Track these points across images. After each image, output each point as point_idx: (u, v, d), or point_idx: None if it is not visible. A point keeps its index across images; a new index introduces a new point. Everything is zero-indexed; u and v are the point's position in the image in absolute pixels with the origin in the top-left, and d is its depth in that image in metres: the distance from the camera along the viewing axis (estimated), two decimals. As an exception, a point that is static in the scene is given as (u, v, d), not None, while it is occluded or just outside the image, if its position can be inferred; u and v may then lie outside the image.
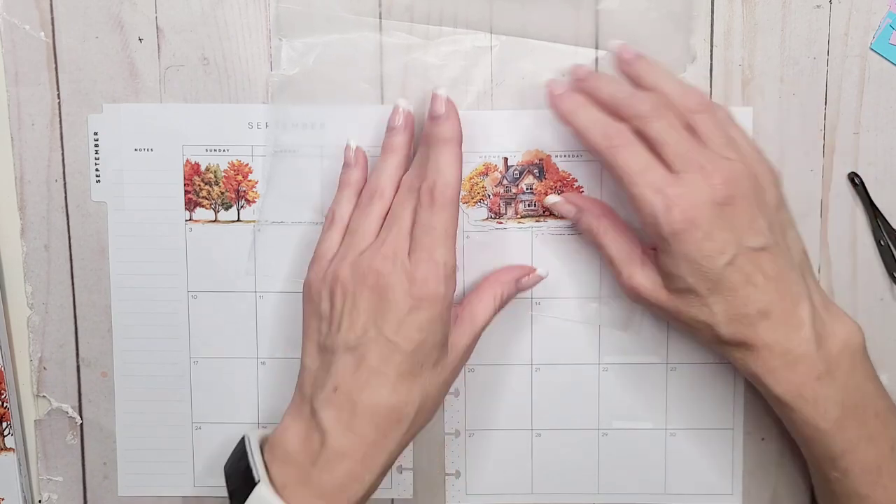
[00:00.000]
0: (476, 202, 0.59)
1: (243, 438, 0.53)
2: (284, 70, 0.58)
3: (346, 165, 0.57)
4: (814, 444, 0.53)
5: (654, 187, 0.50)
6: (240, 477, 0.51)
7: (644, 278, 0.54)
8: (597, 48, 0.58)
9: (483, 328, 0.55)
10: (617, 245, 0.55)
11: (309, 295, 0.54)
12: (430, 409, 0.53)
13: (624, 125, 0.52)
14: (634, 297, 0.55)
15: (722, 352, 0.54)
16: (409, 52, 0.58)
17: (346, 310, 0.51)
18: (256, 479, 0.50)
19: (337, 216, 0.56)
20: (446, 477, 0.62)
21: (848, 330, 0.53)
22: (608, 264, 0.56)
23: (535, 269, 0.58)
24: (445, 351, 0.53)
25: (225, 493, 0.52)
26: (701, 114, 0.53)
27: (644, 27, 0.57)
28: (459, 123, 0.54)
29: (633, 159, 0.51)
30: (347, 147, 0.57)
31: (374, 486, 0.51)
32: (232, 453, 0.54)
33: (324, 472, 0.50)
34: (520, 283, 0.58)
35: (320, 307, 0.53)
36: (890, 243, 0.59)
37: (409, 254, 0.51)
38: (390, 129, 0.56)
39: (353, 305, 0.51)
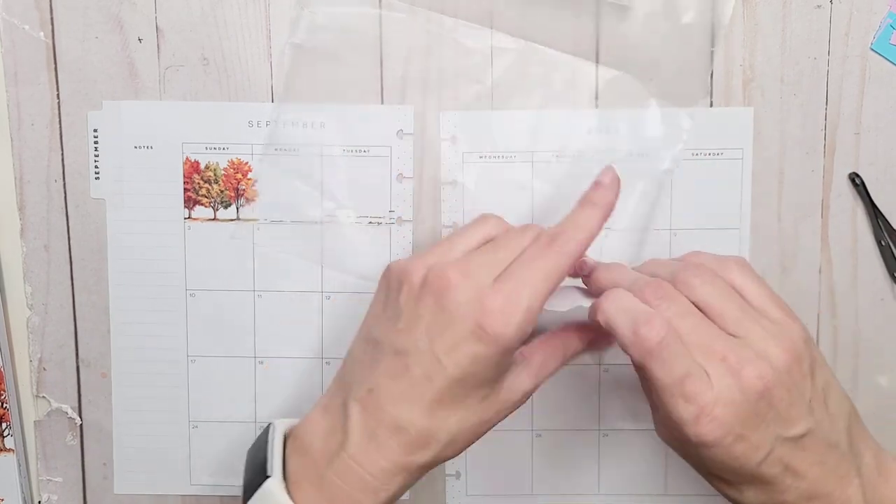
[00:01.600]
0: None
1: (268, 426, 0.50)
2: (302, 41, 0.58)
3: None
4: None
5: (684, 396, 0.45)
6: (257, 466, 0.48)
7: (670, 437, 0.49)
8: (597, 61, 0.58)
9: (549, 376, 0.50)
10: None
11: (383, 278, 0.51)
12: (464, 441, 0.48)
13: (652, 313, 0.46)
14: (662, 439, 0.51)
15: None
16: (420, 48, 0.58)
17: (407, 309, 0.47)
18: (269, 472, 0.47)
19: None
20: (446, 478, 0.62)
21: None
22: (644, 390, 0.50)
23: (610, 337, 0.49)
24: (498, 389, 0.48)
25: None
26: (712, 284, 0.48)
27: (662, 54, 0.57)
28: (615, 198, 0.50)
29: (667, 367, 0.45)
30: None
31: (389, 502, 0.48)
32: (256, 439, 0.51)
33: (337, 477, 0.46)
34: (590, 344, 0.52)
35: (388, 296, 0.49)
36: (891, 243, 0.58)
37: (494, 280, 0.47)
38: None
39: (414, 308, 0.47)
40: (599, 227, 0.49)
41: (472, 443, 0.48)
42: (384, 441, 0.46)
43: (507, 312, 0.45)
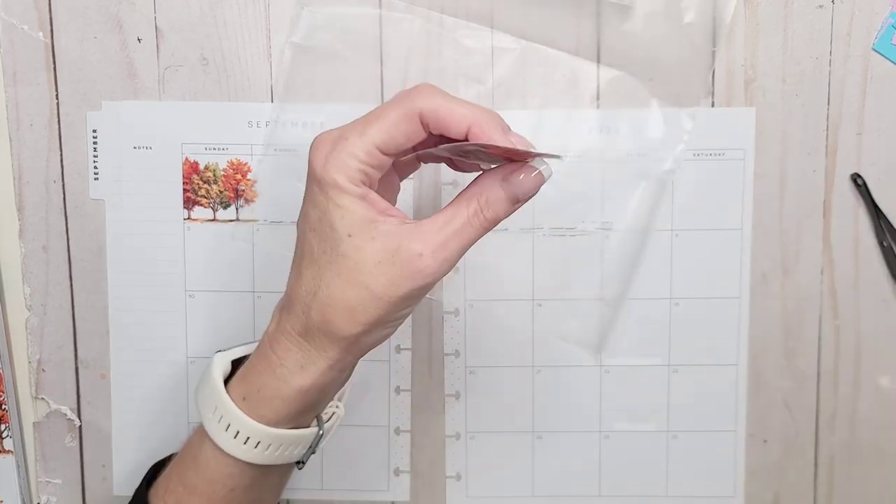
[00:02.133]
0: None
1: None
2: (301, 40, 0.58)
3: None
4: None
5: None
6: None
7: None
8: (598, 61, 0.57)
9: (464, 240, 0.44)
10: None
11: None
12: (334, 306, 0.43)
13: None
14: None
15: None
16: (419, 45, 0.58)
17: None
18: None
19: None
20: (447, 479, 0.61)
21: None
22: None
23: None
24: (364, 239, 0.42)
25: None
26: None
27: (664, 53, 0.57)
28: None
29: None
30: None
31: (300, 391, 0.45)
32: None
33: (258, 362, 0.46)
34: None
35: None
36: (892, 244, 0.58)
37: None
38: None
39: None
40: (488, 125, 0.42)
41: (360, 312, 0.43)
42: (277, 318, 0.46)
43: (318, 144, 0.43)
